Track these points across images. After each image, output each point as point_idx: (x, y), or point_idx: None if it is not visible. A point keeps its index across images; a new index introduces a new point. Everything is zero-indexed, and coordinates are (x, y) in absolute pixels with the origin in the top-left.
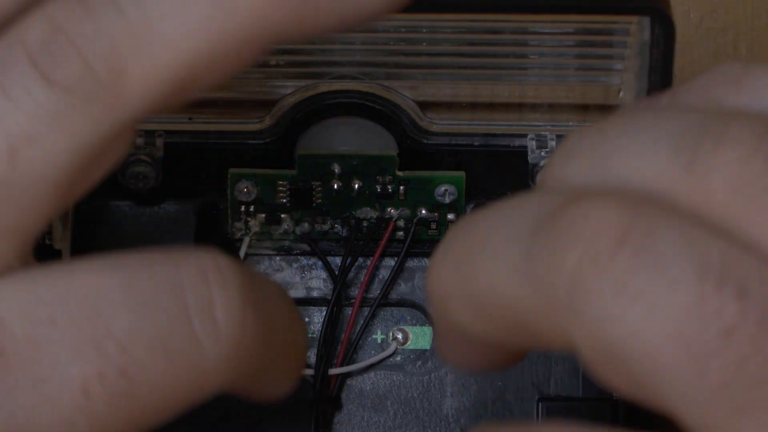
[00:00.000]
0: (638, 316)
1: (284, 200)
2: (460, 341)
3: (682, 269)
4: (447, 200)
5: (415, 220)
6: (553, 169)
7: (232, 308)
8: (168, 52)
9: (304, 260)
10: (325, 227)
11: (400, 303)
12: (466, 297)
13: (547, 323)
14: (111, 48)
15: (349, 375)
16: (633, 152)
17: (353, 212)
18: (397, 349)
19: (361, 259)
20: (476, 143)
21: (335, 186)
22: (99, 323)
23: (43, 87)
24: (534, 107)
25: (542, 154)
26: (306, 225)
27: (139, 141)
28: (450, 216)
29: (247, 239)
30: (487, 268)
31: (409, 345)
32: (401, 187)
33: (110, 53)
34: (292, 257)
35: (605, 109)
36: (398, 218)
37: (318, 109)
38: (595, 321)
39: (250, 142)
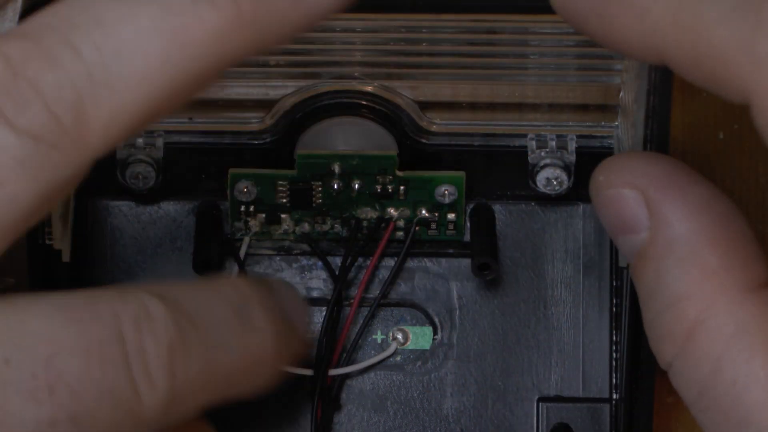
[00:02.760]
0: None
1: (284, 200)
2: None
3: None
4: (447, 200)
5: (415, 220)
6: None
7: (161, 356)
8: (127, 93)
9: (304, 260)
10: (325, 227)
11: (400, 303)
12: None
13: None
14: (73, 94)
15: (349, 375)
16: None
17: (353, 212)
18: (397, 349)
19: (361, 259)
20: (476, 143)
21: (335, 186)
22: (52, 368)
23: (8, 133)
24: (534, 107)
25: (542, 154)
26: (306, 225)
27: (139, 141)
28: (450, 216)
29: (247, 239)
30: None
31: (409, 345)
32: (401, 187)
33: (73, 100)
34: (292, 257)
35: (605, 109)
36: (398, 218)
37: (318, 109)
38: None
39: (250, 142)
